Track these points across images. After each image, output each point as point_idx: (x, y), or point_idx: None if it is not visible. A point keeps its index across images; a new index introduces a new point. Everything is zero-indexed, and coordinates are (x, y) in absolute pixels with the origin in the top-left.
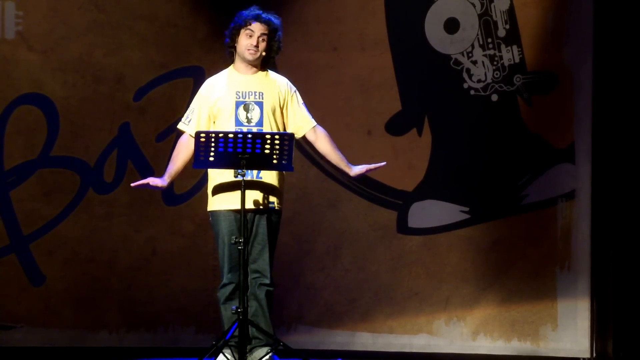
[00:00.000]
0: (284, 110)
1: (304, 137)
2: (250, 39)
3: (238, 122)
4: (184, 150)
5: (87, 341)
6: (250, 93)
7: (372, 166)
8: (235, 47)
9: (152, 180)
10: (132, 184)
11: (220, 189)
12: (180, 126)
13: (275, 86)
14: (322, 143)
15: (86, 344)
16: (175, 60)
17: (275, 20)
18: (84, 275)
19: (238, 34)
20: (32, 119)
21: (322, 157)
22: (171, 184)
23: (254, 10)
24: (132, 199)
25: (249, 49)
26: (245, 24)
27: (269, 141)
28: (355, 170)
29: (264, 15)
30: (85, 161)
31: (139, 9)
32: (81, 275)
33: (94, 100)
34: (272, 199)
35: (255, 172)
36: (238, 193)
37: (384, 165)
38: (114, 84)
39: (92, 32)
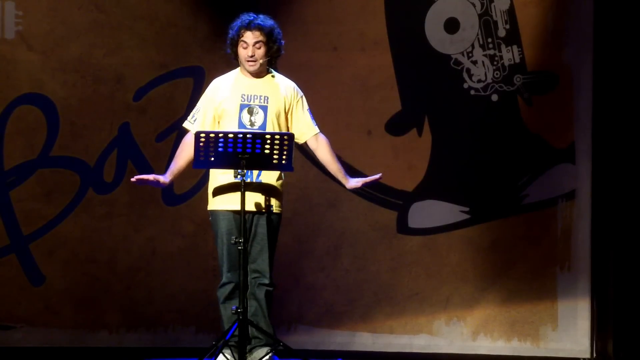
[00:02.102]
0: (289, 115)
1: (305, 144)
2: (245, 50)
3: (241, 125)
4: (187, 149)
5: (87, 341)
6: (255, 97)
7: (369, 179)
8: (237, 58)
9: (154, 176)
10: (132, 179)
11: (221, 189)
12: (185, 124)
13: (282, 90)
14: (323, 152)
15: (86, 344)
16: (175, 60)
17: (267, 23)
18: (84, 275)
19: (236, 45)
20: (32, 119)
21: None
22: (171, 183)
23: (244, 19)
24: (132, 199)
25: (247, 61)
26: (238, 36)
27: (269, 141)
28: (352, 183)
29: (253, 23)
30: (85, 161)
31: (139, 9)
32: (81, 275)
33: (94, 100)
34: (272, 202)
35: (255, 174)
36: (238, 194)
37: (380, 178)
38: (114, 84)
39: (92, 32)
